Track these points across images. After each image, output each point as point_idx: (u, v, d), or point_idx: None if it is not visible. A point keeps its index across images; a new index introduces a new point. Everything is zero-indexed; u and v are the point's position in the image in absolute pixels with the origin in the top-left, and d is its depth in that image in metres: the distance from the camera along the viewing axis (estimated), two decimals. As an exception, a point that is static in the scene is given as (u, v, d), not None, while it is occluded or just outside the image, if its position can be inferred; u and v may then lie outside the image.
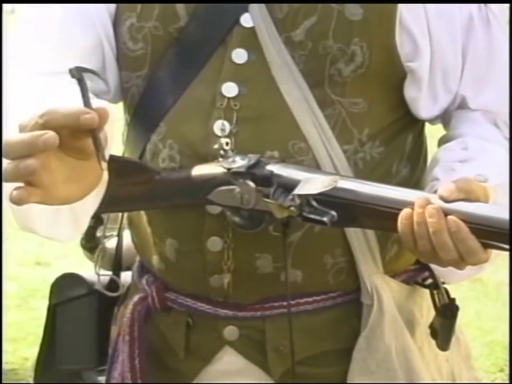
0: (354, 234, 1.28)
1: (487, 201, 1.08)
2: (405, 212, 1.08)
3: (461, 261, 1.08)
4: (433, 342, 1.34)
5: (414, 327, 1.34)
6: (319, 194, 1.11)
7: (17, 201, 0.95)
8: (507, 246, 1.04)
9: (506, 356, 3.78)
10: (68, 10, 1.32)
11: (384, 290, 1.30)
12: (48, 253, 4.91)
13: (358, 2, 1.24)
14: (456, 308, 1.32)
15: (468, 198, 1.06)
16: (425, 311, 1.36)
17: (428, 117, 1.35)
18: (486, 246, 1.06)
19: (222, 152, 1.22)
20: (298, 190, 1.13)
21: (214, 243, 1.28)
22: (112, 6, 1.33)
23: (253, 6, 1.26)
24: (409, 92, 1.29)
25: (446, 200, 1.06)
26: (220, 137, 1.24)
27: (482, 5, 1.28)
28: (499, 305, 4.31)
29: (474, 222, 1.04)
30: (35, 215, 1.14)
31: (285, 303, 1.28)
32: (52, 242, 1.33)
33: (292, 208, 1.13)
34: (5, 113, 1.25)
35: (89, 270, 1.48)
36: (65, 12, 1.32)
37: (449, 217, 1.05)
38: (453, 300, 1.34)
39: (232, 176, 1.18)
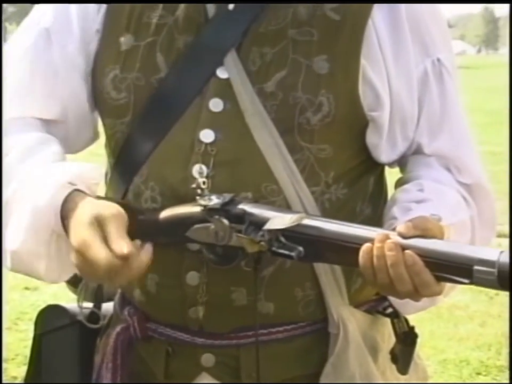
0: (322, 269, 1.27)
1: (442, 239, 1.09)
2: (365, 246, 1.09)
3: (416, 293, 1.10)
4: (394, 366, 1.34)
5: (377, 353, 1.34)
6: (287, 230, 1.12)
7: None
8: (459, 279, 1.05)
9: (459, 373, 3.80)
10: (36, 78, 1.34)
11: (349, 320, 1.30)
12: (36, 278, 4.87)
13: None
14: (415, 336, 1.32)
15: (424, 235, 1.07)
16: (387, 338, 1.36)
17: (387, 161, 1.35)
18: (439, 279, 1.08)
19: (199, 191, 1.21)
20: (268, 226, 1.13)
21: (192, 277, 1.28)
22: (91, 59, 1.34)
23: (228, 60, 1.26)
24: (371, 138, 1.30)
25: (404, 237, 1.08)
26: (198, 179, 1.24)
27: (436, 61, 1.30)
28: (451, 326, 4.34)
29: (429, 256, 1.06)
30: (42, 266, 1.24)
31: (258, 332, 1.27)
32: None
33: (262, 243, 1.14)
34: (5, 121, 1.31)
35: (73, 296, 1.47)
36: (32, 80, 1.35)
37: (406, 251, 1.07)
38: (412, 328, 1.34)
39: (208, 213, 1.18)
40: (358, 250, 1.09)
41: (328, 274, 1.28)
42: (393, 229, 1.12)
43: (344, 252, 1.11)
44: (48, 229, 1.21)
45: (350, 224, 1.13)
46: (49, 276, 1.26)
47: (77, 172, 1.23)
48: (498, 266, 1.02)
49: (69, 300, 1.50)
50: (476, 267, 1.03)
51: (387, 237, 1.08)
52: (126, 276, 1.15)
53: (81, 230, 1.14)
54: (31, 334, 1.50)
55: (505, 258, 1.02)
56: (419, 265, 1.06)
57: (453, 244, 1.08)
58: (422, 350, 1.45)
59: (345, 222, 1.13)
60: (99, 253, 1.12)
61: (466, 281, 1.05)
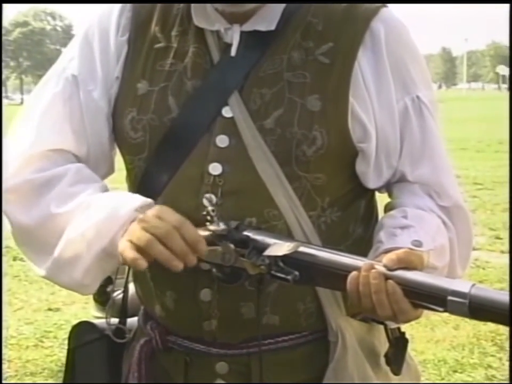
0: None
1: (422, 269, 1.11)
2: (353, 274, 1.11)
3: (394, 318, 1.11)
4: None
5: (376, 356, 1.34)
6: (285, 256, 1.13)
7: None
8: (434, 307, 1.07)
9: (438, 372, 3.78)
10: (66, 120, 1.34)
11: (346, 329, 1.30)
12: (58, 300, 4.85)
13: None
14: (406, 340, 1.31)
15: (407, 267, 1.09)
16: (384, 342, 1.35)
17: (374, 187, 1.35)
18: (417, 306, 1.09)
19: (209, 217, 1.21)
20: (267, 252, 1.15)
21: (206, 294, 1.27)
22: (111, 103, 1.34)
23: (232, 100, 1.27)
24: (360, 167, 1.30)
25: (389, 269, 1.09)
26: (207, 207, 1.24)
27: (415, 98, 1.30)
28: (428, 329, 4.32)
29: (409, 286, 1.08)
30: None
31: (266, 342, 1.28)
32: (61, 291, 1.36)
33: (262, 267, 1.15)
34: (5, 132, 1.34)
35: (91, 313, 1.46)
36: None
37: (388, 281, 1.09)
38: (403, 333, 1.33)
39: (216, 237, 1.19)
40: (346, 277, 1.11)
41: (326, 289, 1.27)
42: (380, 254, 1.15)
43: (334, 277, 1.13)
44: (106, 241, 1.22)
45: (340, 253, 1.15)
46: (84, 280, 1.27)
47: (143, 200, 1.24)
48: (470, 298, 1.03)
49: (88, 319, 1.49)
50: (449, 297, 1.04)
51: (372, 267, 1.10)
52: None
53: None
54: (55, 350, 1.51)
55: (476, 291, 1.04)
56: (398, 294, 1.08)
57: (431, 275, 1.10)
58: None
59: (336, 251, 1.15)
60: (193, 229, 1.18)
61: (440, 309, 1.07)
